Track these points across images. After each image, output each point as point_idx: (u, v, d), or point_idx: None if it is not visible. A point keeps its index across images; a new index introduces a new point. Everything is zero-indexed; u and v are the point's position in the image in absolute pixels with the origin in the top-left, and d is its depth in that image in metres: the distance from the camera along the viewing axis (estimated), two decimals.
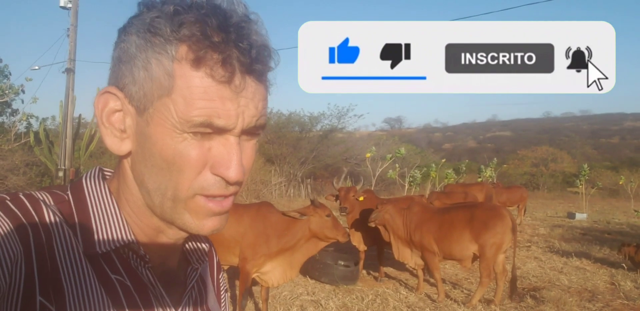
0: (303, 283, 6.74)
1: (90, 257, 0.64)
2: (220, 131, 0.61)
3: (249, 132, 0.64)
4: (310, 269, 6.76)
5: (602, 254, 9.12)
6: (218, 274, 0.90)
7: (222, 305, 0.90)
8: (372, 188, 15.10)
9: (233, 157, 0.62)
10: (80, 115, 16.08)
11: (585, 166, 18.45)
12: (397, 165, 15.61)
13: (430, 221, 6.08)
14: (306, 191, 20.90)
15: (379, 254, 7.30)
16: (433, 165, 18.00)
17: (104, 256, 0.65)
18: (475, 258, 5.87)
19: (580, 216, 15.57)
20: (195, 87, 0.59)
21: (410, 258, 6.31)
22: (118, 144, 0.66)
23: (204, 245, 0.81)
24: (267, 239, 4.81)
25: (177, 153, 0.61)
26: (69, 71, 14.71)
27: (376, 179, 15.78)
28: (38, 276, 0.58)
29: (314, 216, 4.83)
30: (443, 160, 22.44)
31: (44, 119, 16.56)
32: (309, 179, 23.13)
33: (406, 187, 16.01)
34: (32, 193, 0.66)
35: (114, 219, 0.67)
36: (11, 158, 12.58)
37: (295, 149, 23.36)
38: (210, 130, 0.61)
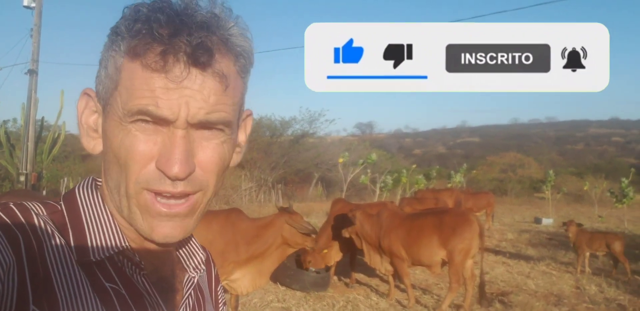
0: (273, 290, 6.66)
1: (83, 265, 0.63)
2: (163, 122, 0.60)
3: (203, 127, 0.62)
4: (281, 276, 6.68)
5: (568, 259, 9.31)
6: (216, 286, 0.89)
7: None
8: (344, 194, 15.13)
9: (175, 150, 0.60)
10: (43, 118, 15.49)
11: (551, 172, 18.88)
12: (368, 171, 15.65)
13: (399, 227, 6.09)
14: (277, 197, 20.76)
15: (350, 260, 7.27)
16: (404, 171, 18.14)
17: (98, 265, 0.64)
18: (444, 263, 5.90)
19: (546, 221, 15.90)
20: (136, 78, 0.60)
21: (380, 263, 6.31)
22: (91, 144, 0.68)
23: (200, 254, 0.79)
24: (236, 246, 4.73)
25: (123, 146, 0.61)
26: (32, 72, 14.26)
27: (347, 184, 15.79)
28: (31, 286, 0.57)
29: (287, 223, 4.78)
30: (414, 166, 22.62)
31: (5, 122, 16.13)
32: (280, 185, 22.98)
33: (377, 192, 16.06)
34: (24, 202, 0.65)
35: (107, 227, 0.67)
36: None
37: (266, 154, 23.21)
38: (150, 119, 0.60)
